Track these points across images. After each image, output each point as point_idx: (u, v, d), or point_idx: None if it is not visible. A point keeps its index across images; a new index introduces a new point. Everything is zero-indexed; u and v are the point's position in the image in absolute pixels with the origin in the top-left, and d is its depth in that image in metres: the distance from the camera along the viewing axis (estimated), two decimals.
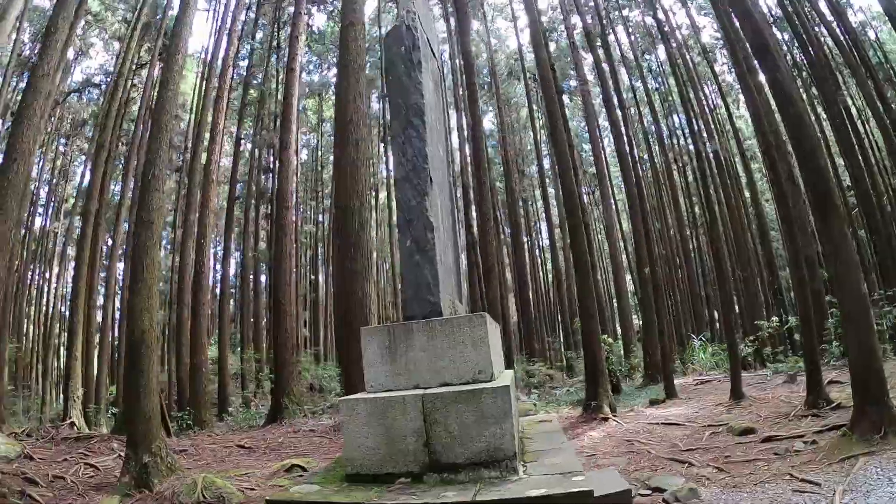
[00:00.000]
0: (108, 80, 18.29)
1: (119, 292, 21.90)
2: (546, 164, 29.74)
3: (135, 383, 6.48)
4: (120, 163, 20.79)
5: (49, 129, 21.46)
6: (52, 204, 25.54)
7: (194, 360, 13.77)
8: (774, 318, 12.47)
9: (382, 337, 3.72)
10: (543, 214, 30.81)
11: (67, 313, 16.61)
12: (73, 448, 8.01)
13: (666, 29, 19.69)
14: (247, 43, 21.73)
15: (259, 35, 22.71)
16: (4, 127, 14.24)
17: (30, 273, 23.46)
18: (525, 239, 31.62)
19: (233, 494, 5.76)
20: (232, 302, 31.15)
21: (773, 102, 7.03)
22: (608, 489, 3.53)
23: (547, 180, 28.37)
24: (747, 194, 20.14)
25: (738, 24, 7.61)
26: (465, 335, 3.52)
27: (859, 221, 15.36)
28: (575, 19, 19.98)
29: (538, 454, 3.75)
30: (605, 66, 16.99)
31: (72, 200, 25.28)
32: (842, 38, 13.97)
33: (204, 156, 16.27)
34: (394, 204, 24.10)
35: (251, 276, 26.66)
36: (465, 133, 19.85)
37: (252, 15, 21.77)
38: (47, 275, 25.36)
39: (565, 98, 26.01)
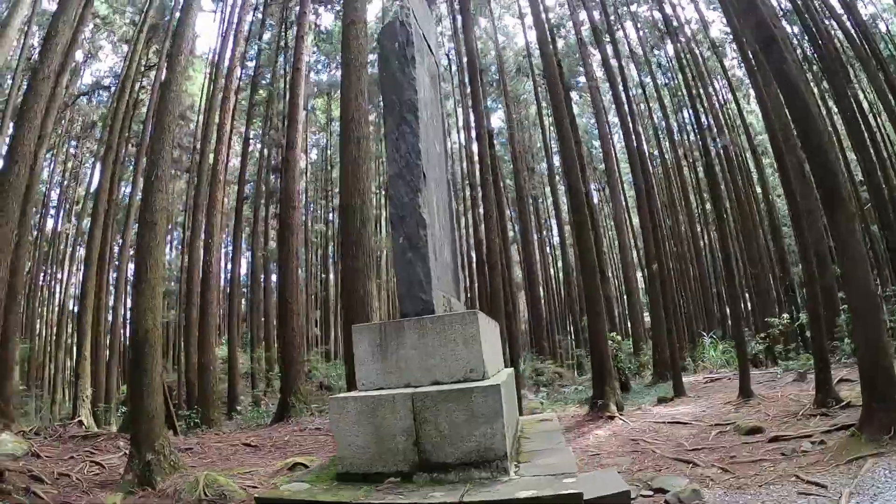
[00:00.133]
0: (117, 82, 18.45)
1: (130, 292, 22.11)
2: (556, 161, 29.52)
3: (138, 382, 6.52)
4: (131, 164, 21.01)
5: (60, 132, 21.74)
6: (63, 206, 25.88)
7: (202, 359, 13.86)
8: (785, 315, 12.27)
9: (373, 335, 3.68)
10: (553, 212, 30.62)
11: (77, 314, 16.79)
12: (80, 446, 8.09)
13: (675, 24, 19.46)
14: (254, 43, 21.82)
15: (267, 35, 22.81)
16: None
17: (42, 274, 23.81)
18: (535, 236, 31.49)
19: (234, 492, 5.77)
20: (244, 301, 31.40)
21: (782, 96, 6.89)
22: (604, 491, 3.47)
23: (556, 178, 28.20)
24: (759, 190, 19.86)
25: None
26: (457, 333, 3.46)
27: (872, 216, 15.07)
28: (582, 15, 19.80)
29: (533, 454, 3.69)
30: (613, 62, 16.83)
31: (83, 202, 25.56)
32: (852, 30, 13.71)
33: (211, 156, 16.37)
34: None
35: (262, 276, 26.85)
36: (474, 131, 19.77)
37: (259, 16, 21.86)
38: (59, 276, 25.71)
39: (575, 95, 25.82)
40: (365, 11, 10.49)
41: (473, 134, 17.28)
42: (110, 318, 18.80)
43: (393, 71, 4.28)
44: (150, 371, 6.53)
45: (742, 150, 21.57)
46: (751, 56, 9.22)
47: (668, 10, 19.59)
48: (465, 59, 18.94)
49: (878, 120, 17.08)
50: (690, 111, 20.06)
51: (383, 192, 29.30)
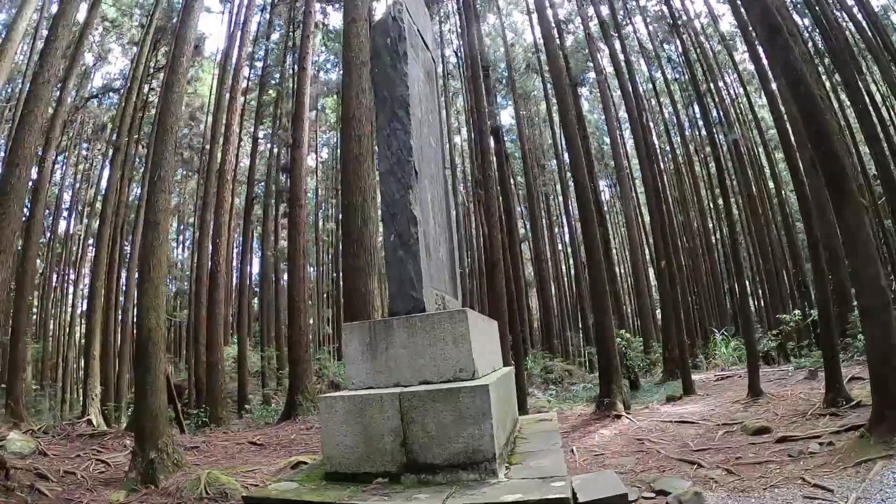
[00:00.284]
0: (126, 84, 18.63)
1: None
2: (566, 158, 29.31)
3: (142, 381, 6.55)
4: (143, 165, 21.20)
5: (71, 135, 21.98)
6: (75, 208, 26.19)
7: (210, 357, 13.94)
8: (797, 312, 12.04)
9: (363, 333, 3.63)
10: (563, 209, 30.42)
11: (86, 313, 17.00)
12: (87, 445, 8.17)
13: (684, 18, 19.19)
14: (262, 44, 21.90)
15: (275, 36, 22.87)
16: None
17: (55, 276, 24.12)
18: (546, 234, 31.29)
19: (236, 490, 5.77)
20: (256, 301, 31.62)
21: (786, 84, 6.72)
22: (601, 493, 3.38)
23: (566, 174, 27.97)
24: (771, 185, 19.54)
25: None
26: (446, 332, 3.40)
27: (885, 211, 14.73)
28: (591, 11, 19.59)
29: (526, 455, 3.62)
30: (621, 56, 16.62)
31: (94, 204, 25.87)
32: (863, 22, 13.41)
33: (219, 156, 16.45)
34: None
35: (272, 275, 26.98)
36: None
37: (267, 16, 21.94)
38: (71, 276, 26.02)
39: (583, 90, 25.57)
40: (366, 9, 10.45)
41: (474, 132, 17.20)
42: (121, 317, 18.97)
43: (385, 67, 4.23)
44: (153, 369, 6.56)
45: (754, 145, 21.23)
46: (756, 45, 9.03)
47: (677, 3, 19.33)
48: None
49: (891, 113, 16.70)
50: (697, 106, 19.78)
51: None
